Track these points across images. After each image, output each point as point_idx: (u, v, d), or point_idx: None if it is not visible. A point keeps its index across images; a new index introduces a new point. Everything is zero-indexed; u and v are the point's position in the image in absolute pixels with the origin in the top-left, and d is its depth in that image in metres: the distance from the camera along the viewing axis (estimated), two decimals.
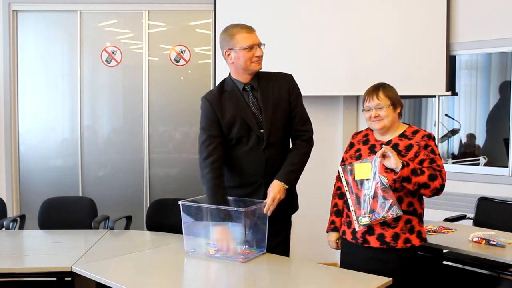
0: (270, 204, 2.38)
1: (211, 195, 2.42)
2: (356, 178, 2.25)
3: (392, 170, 2.18)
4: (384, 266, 2.23)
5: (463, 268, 3.02)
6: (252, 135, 2.49)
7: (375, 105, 2.30)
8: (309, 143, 2.60)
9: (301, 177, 2.73)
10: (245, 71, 2.50)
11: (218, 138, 2.49)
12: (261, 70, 2.55)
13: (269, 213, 2.37)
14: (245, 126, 2.48)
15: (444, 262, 2.97)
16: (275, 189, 2.41)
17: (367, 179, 2.21)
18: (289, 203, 2.56)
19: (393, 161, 2.15)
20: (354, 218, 2.25)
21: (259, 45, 2.47)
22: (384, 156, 2.17)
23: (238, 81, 2.53)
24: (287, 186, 2.44)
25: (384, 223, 2.24)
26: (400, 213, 2.18)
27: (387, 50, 4.14)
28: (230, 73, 2.59)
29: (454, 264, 3.04)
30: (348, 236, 2.37)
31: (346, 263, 2.38)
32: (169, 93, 4.57)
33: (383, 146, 2.22)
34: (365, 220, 2.21)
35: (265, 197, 2.46)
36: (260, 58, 2.47)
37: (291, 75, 2.61)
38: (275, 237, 2.51)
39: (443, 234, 2.89)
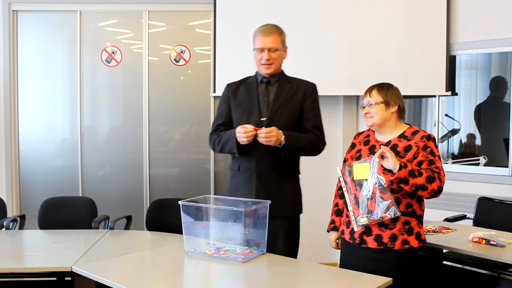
0: (264, 131, 2.45)
1: (224, 137, 2.62)
2: (354, 178, 2.25)
3: (390, 171, 2.18)
4: (382, 266, 2.23)
5: (463, 268, 3.02)
6: (252, 120, 2.60)
7: (366, 102, 2.35)
8: (321, 143, 2.68)
9: (300, 176, 2.73)
10: (259, 70, 2.70)
11: (227, 118, 2.71)
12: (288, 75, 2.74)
13: (263, 139, 2.45)
14: (247, 110, 2.64)
15: (444, 262, 2.97)
16: (275, 128, 2.48)
17: (366, 180, 2.22)
18: (292, 201, 2.64)
19: (391, 162, 2.15)
20: (352, 218, 2.25)
21: (270, 49, 2.60)
22: (382, 156, 2.18)
23: (260, 74, 2.72)
24: (283, 139, 2.49)
25: (382, 224, 2.24)
26: (398, 213, 2.18)
27: (387, 50, 4.14)
28: None
29: (454, 264, 3.04)
30: (347, 236, 2.37)
31: (345, 262, 2.39)
32: (169, 93, 4.57)
33: (381, 146, 2.22)
34: (363, 220, 2.21)
35: (258, 190, 2.56)
36: (267, 61, 2.61)
37: (314, 84, 2.74)
38: (278, 236, 2.57)
39: (443, 234, 2.89)
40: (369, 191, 2.19)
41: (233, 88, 2.74)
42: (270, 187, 2.59)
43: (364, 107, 2.37)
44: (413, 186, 2.17)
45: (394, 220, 2.22)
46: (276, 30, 2.64)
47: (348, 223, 2.35)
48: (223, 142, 2.63)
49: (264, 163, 2.58)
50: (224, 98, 2.76)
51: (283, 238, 2.60)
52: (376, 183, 2.17)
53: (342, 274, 2.24)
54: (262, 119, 2.61)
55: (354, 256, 2.34)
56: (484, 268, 2.87)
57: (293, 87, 2.68)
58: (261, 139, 2.46)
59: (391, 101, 2.32)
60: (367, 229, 2.27)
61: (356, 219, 2.24)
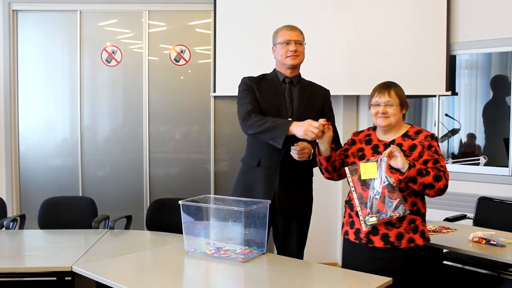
0: (298, 148, 2.44)
1: (274, 122, 2.46)
2: (362, 178, 2.25)
3: (398, 170, 2.17)
4: (388, 265, 2.23)
5: (463, 268, 3.02)
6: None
7: (385, 101, 2.29)
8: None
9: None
10: (283, 65, 2.67)
11: (258, 105, 2.60)
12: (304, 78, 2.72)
13: (296, 155, 2.46)
14: (274, 108, 2.61)
15: (444, 262, 2.97)
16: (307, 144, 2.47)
17: (373, 179, 2.21)
18: (307, 202, 2.70)
19: (400, 161, 2.14)
20: (360, 218, 2.25)
21: (296, 41, 2.61)
22: (390, 156, 2.17)
23: (280, 73, 2.70)
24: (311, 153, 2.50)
25: (388, 223, 2.24)
26: (407, 212, 2.18)
27: (387, 50, 4.14)
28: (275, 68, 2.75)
29: (454, 264, 3.04)
30: (351, 236, 2.36)
31: (349, 263, 2.37)
32: (169, 93, 4.57)
33: (391, 146, 2.20)
34: (373, 220, 2.21)
35: (279, 189, 2.58)
36: (294, 52, 2.61)
37: (328, 90, 2.77)
38: (292, 236, 2.61)
39: (443, 234, 2.89)
40: (377, 190, 2.19)
41: (255, 81, 2.68)
42: (290, 187, 2.61)
43: (377, 105, 2.31)
44: (421, 185, 2.17)
45: (401, 219, 2.22)
46: (299, 28, 2.69)
47: (352, 223, 2.35)
48: (269, 125, 2.45)
49: (288, 164, 2.57)
50: (248, 88, 2.65)
51: (297, 238, 2.63)
52: (384, 182, 2.17)
53: (342, 274, 2.24)
54: (288, 119, 2.59)
55: (359, 256, 2.33)
56: (484, 268, 2.87)
57: (313, 90, 2.70)
58: (294, 155, 2.46)
59: (404, 103, 2.33)
60: (373, 229, 2.26)
61: (364, 219, 2.23)
